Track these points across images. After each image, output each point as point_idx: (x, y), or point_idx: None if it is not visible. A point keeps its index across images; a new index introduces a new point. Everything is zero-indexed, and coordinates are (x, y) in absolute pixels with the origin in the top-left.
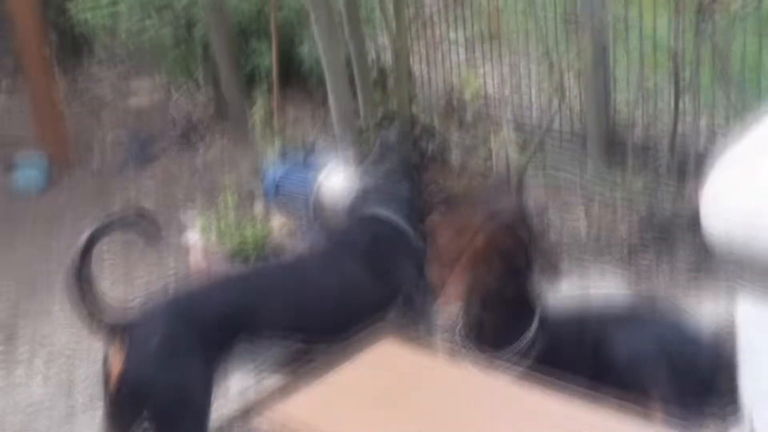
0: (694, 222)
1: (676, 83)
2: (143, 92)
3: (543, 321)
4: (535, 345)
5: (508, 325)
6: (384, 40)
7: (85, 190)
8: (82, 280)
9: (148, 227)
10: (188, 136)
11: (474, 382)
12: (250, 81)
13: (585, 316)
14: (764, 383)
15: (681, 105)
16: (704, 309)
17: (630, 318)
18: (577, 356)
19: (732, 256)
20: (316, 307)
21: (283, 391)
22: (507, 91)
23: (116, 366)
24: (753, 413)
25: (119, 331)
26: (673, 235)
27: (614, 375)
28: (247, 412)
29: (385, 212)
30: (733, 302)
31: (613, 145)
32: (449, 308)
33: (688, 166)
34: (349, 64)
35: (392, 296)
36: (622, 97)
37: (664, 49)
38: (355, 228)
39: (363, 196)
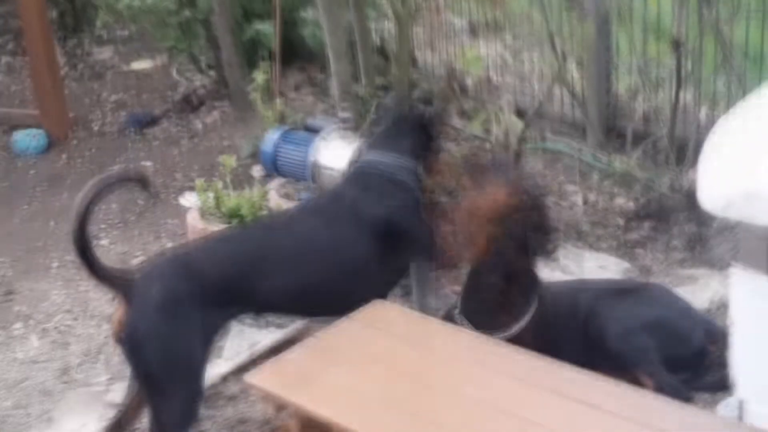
0: (689, 207)
1: (678, 71)
2: (144, 57)
3: (539, 301)
4: (529, 327)
5: (506, 308)
6: (387, 24)
7: (84, 152)
8: (85, 236)
9: (145, 186)
10: (189, 100)
11: (466, 345)
12: (250, 47)
13: (577, 293)
14: (755, 359)
15: (682, 93)
16: (697, 290)
17: (621, 295)
18: (569, 332)
19: (729, 221)
20: (313, 265)
21: (280, 349)
22: (509, 78)
23: (118, 319)
24: (743, 388)
25: (122, 285)
26: (669, 222)
27: (605, 351)
28: (240, 370)
29: (375, 159)
30: (725, 282)
31: (613, 131)
32: (449, 274)
33: (687, 154)
34: (352, 46)
35: (387, 246)
36: (623, 83)
37: (666, 36)
38: (346, 181)
39: (358, 153)
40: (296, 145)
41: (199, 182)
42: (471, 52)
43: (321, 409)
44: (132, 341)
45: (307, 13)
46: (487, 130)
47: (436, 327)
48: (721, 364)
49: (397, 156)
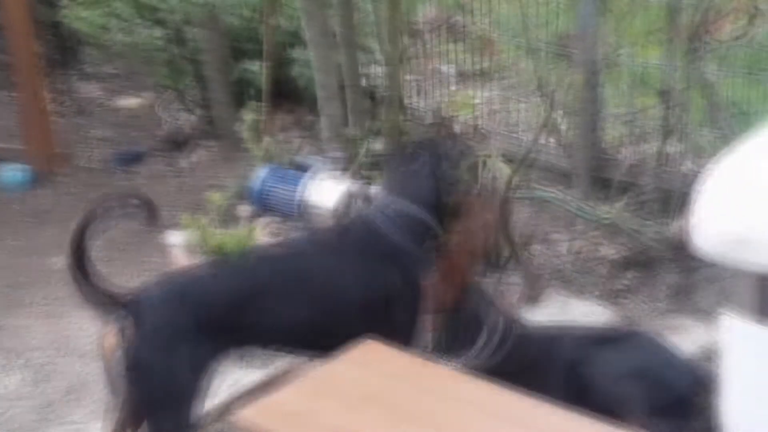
0: (676, 259)
1: (665, 123)
2: (132, 95)
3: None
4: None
5: (459, 334)
6: (375, 68)
7: (70, 188)
8: (83, 258)
9: (149, 212)
10: (175, 139)
11: (452, 385)
12: (239, 87)
13: (562, 338)
14: (744, 406)
15: (668, 145)
16: (682, 339)
17: (607, 343)
18: (552, 377)
19: (720, 265)
20: (312, 304)
21: (265, 387)
22: (497, 125)
23: (110, 344)
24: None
25: (116, 308)
26: (655, 271)
27: (591, 400)
28: (228, 406)
29: (374, 217)
30: (713, 330)
31: (599, 181)
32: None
33: (672, 205)
34: (341, 87)
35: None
36: (611, 120)
37: (654, 86)
38: (348, 227)
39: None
40: (284, 182)
41: (185, 218)
42: (460, 97)
43: None
44: (124, 366)
45: (298, 54)
46: (474, 176)
47: (428, 366)
48: (709, 411)
49: (409, 204)
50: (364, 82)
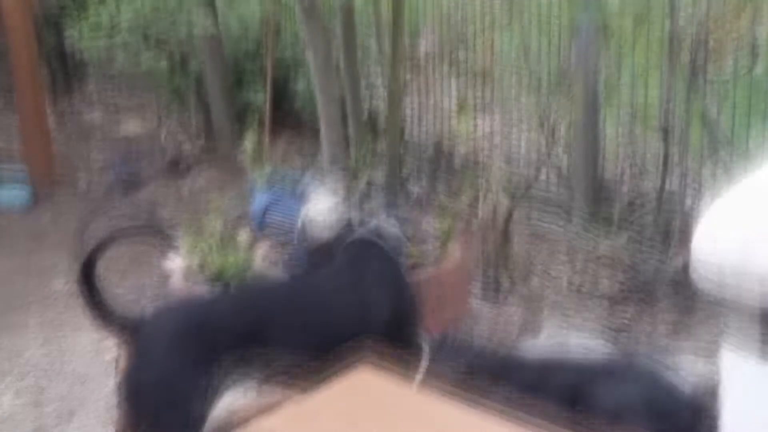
0: (676, 278)
1: (665, 157)
2: (134, 120)
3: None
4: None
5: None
6: (378, 85)
7: (69, 212)
8: (92, 279)
9: (160, 234)
10: (177, 164)
11: (442, 414)
12: (241, 115)
13: (561, 364)
14: None
15: (669, 162)
16: (684, 365)
17: (608, 369)
18: (550, 404)
19: (721, 299)
20: (319, 328)
21: (259, 410)
22: (497, 141)
23: (122, 364)
24: None
25: (128, 329)
26: (656, 290)
27: (588, 423)
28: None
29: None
30: (715, 356)
31: (600, 201)
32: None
33: (674, 224)
34: (342, 101)
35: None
36: (611, 154)
37: (654, 109)
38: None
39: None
40: (284, 208)
41: (186, 243)
42: (460, 122)
43: None
44: (130, 388)
45: (301, 86)
46: (473, 210)
47: (421, 395)
48: None
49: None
50: (366, 112)
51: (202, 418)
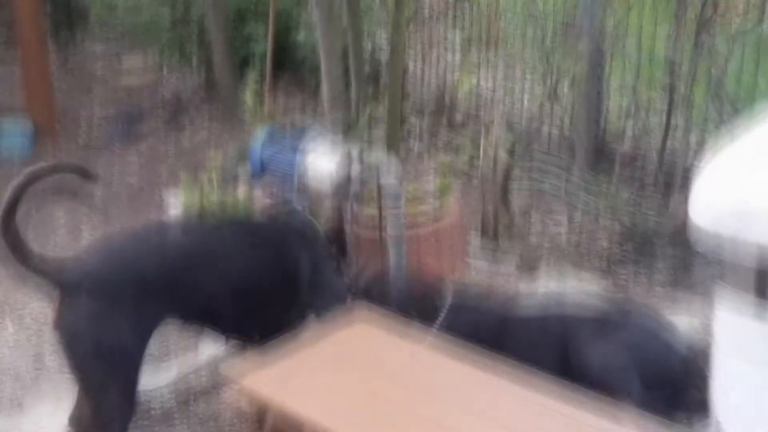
0: (675, 235)
1: (670, 97)
2: (135, 70)
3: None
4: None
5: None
6: (381, 38)
7: (71, 156)
8: (11, 233)
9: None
10: (177, 116)
11: (438, 364)
12: (243, 65)
13: (557, 317)
14: (736, 391)
15: (673, 119)
16: (679, 321)
17: (603, 322)
18: (545, 357)
19: (718, 252)
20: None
21: (252, 364)
22: (500, 94)
23: (54, 301)
24: (722, 414)
25: (55, 276)
26: (654, 247)
27: (583, 376)
28: (215, 363)
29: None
30: (710, 312)
31: (601, 155)
32: None
33: (675, 181)
34: (344, 54)
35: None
36: (615, 107)
37: (660, 61)
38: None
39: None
40: (284, 145)
41: (185, 178)
42: (463, 74)
43: (295, 405)
44: (64, 334)
45: (300, 36)
46: (473, 166)
47: (418, 333)
48: (702, 388)
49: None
50: (367, 67)
51: (137, 356)
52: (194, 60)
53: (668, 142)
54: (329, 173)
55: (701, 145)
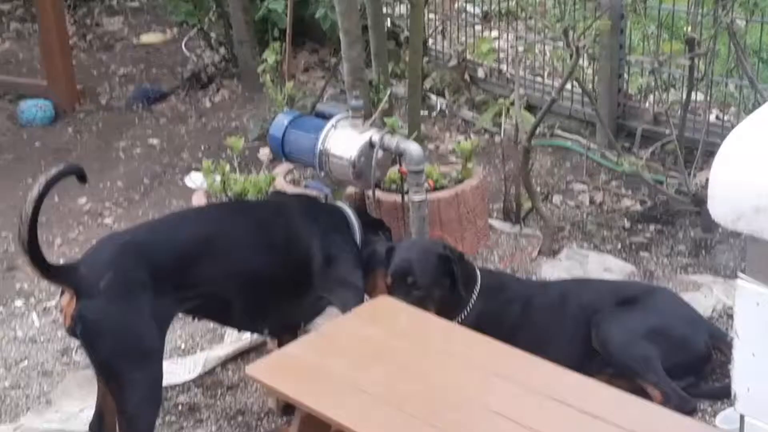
0: (696, 210)
1: (691, 72)
2: (155, 31)
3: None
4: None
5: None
6: (399, 8)
7: (91, 126)
8: (32, 245)
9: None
10: (197, 77)
11: (464, 343)
12: (261, 31)
13: (578, 296)
14: (758, 373)
15: (693, 94)
16: (700, 296)
17: (625, 302)
18: (567, 336)
19: (738, 232)
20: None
21: (274, 362)
22: (520, 71)
23: (69, 313)
24: (743, 402)
25: (69, 278)
26: (675, 222)
27: (608, 358)
28: (241, 356)
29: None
30: (729, 289)
31: (623, 130)
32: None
33: (695, 156)
34: (362, 14)
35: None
36: (635, 83)
37: (680, 35)
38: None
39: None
40: (305, 131)
41: (206, 163)
42: (484, 43)
43: (321, 406)
44: (85, 333)
45: (320, 12)
46: (498, 124)
47: (436, 324)
48: (724, 371)
49: None
50: (387, 23)
51: (158, 348)
52: (213, 34)
53: (688, 119)
54: (351, 157)
55: (721, 120)
